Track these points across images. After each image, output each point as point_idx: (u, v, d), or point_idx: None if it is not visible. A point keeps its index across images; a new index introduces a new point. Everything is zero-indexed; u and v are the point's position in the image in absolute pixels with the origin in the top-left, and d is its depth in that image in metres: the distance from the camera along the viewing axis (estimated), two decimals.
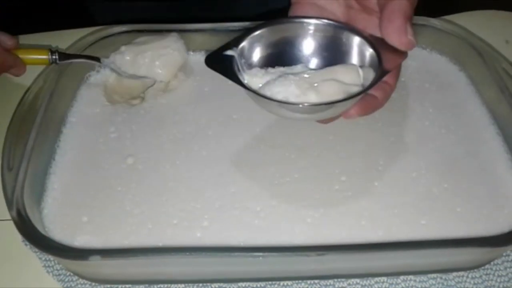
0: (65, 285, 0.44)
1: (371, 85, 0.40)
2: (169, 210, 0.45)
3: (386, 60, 0.41)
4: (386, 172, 0.47)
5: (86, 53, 0.54)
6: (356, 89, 0.41)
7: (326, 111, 0.41)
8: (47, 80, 0.51)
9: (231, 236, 0.43)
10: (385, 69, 0.41)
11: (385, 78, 0.41)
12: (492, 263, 0.44)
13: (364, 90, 0.40)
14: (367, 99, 0.41)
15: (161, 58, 0.54)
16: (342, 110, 0.41)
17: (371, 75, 0.42)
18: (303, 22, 0.45)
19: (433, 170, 0.47)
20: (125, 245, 0.43)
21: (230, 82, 0.41)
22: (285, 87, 0.40)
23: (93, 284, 0.44)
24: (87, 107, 0.54)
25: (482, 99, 0.53)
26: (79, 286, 0.44)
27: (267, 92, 0.40)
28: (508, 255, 0.45)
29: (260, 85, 0.42)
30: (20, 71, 0.53)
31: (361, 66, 0.44)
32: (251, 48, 0.44)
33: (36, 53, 0.53)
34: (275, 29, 0.45)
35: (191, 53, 0.58)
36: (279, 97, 0.40)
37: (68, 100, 0.54)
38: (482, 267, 0.44)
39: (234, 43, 0.43)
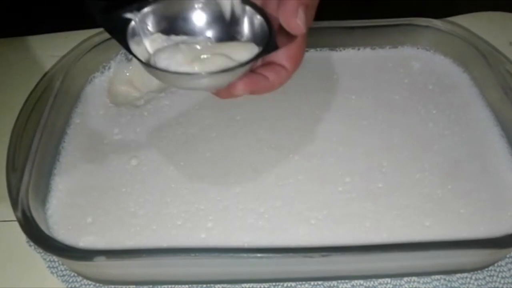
0: (69, 286, 0.44)
1: (253, 59, 0.39)
2: (173, 211, 0.45)
3: (278, 41, 0.40)
4: (390, 173, 0.48)
5: (90, 54, 0.54)
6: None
7: (204, 80, 0.39)
8: (52, 81, 0.51)
9: (235, 237, 0.43)
10: (274, 46, 0.39)
11: (281, 61, 0.41)
12: (495, 264, 0.44)
13: (245, 64, 0.39)
14: (256, 77, 0.40)
15: None
16: (223, 82, 0.39)
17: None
18: None
19: (437, 172, 0.47)
20: (129, 246, 0.43)
21: None
22: (172, 54, 0.39)
23: (97, 284, 0.44)
24: (91, 109, 0.54)
25: (486, 101, 0.53)
26: (83, 286, 0.44)
27: (155, 58, 0.39)
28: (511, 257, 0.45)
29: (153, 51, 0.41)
30: None
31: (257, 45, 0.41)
32: (155, 14, 0.42)
33: None
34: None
35: None
36: (163, 64, 0.39)
37: (72, 101, 0.54)
38: (486, 269, 0.44)
39: (137, 7, 0.41)
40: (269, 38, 0.40)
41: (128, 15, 0.41)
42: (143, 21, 0.42)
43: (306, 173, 0.48)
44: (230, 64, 0.39)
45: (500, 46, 0.57)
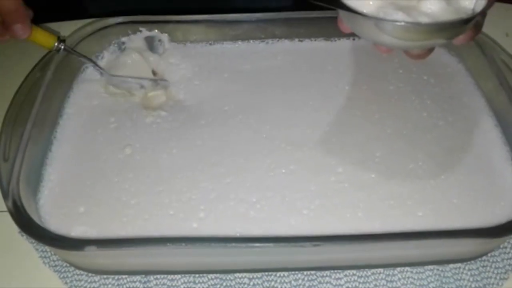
0: (61, 276, 0.44)
1: (486, 8, 0.37)
2: (165, 201, 0.45)
3: None
4: (383, 163, 0.47)
5: (83, 44, 0.54)
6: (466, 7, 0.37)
7: (436, 34, 0.37)
8: (43, 71, 0.51)
9: (227, 226, 0.43)
10: None
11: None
12: (489, 254, 0.44)
13: (478, 14, 0.36)
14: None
15: None
16: (458, 32, 0.37)
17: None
18: None
19: (430, 162, 0.47)
20: (121, 236, 0.43)
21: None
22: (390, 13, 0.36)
23: (89, 274, 0.44)
24: (84, 98, 0.54)
25: (481, 91, 0.53)
26: (76, 277, 0.44)
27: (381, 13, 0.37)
28: (505, 247, 0.44)
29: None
30: (24, 30, 0.48)
31: None
32: None
33: (46, 34, 0.51)
34: None
35: (188, 44, 0.58)
36: (395, 17, 0.36)
37: (65, 91, 0.54)
38: (479, 259, 0.44)
39: None
40: None
41: None
42: None
43: (298, 163, 0.47)
44: (455, 11, 0.36)
45: (496, 37, 0.56)
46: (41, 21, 0.61)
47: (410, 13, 0.37)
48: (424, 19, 0.36)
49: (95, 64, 0.54)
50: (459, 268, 0.44)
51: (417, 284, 0.43)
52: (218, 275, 0.43)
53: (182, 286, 0.43)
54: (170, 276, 0.43)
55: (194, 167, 0.47)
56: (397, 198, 0.45)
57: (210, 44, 0.58)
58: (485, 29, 0.55)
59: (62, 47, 0.52)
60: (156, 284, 0.43)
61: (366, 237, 0.40)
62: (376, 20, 0.36)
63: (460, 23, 0.36)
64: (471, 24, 0.37)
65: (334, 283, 0.43)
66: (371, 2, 0.38)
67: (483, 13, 0.37)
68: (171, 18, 0.56)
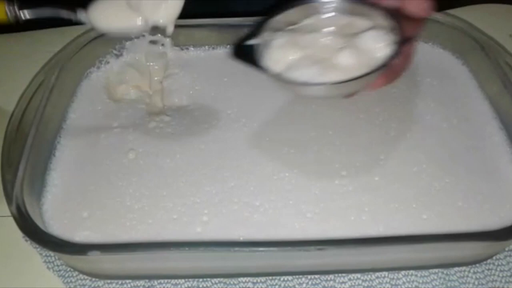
0: (65, 281, 0.44)
1: (395, 55, 0.40)
2: (169, 205, 0.45)
3: (406, 29, 0.41)
4: (387, 166, 0.47)
5: (86, 48, 0.54)
6: (378, 56, 0.41)
7: (351, 87, 0.40)
8: (47, 76, 0.51)
9: (231, 231, 0.43)
10: (404, 37, 0.41)
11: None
12: (494, 258, 0.44)
13: (388, 62, 0.40)
14: (389, 67, 0.41)
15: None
16: (367, 82, 0.41)
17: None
18: (318, 2, 0.45)
19: (435, 165, 0.47)
20: (125, 240, 0.43)
21: (251, 73, 0.41)
22: (306, 69, 0.40)
23: (93, 279, 0.44)
24: (88, 103, 0.54)
25: (485, 93, 0.53)
26: (79, 281, 0.44)
27: (290, 75, 0.41)
28: (511, 250, 0.44)
29: (281, 69, 0.42)
30: None
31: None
32: (271, 33, 0.44)
33: None
34: (293, 11, 0.45)
35: (191, 48, 0.58)
36: (301, 80, 0.40)
37: (68, 96, 0.54)
38: (484, 262, 0.44)
39: (256, 31, 0.43)
40: (399, 28, 0.41)
41: (252, 41, 0.42)
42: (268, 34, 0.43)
43: (302, 166, 0.47)
44: (368, 61, 0.40)
45: (500, 38, 0.56)
46: (40, 27, 0.61)
47: (326, 65, 0.40)
48: (334, 75, 0.39)
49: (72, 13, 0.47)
50: (464, 271, 0.43)
51: (422, 287, 0.43)
52: (221, 279, 0.43)
53: None
54: (173, 281, 0.43)
55: (197, 171, 0.47)
56: (402, 201, 0.45)
57: (213, 48, 0.58)
58: (489, 31, 0.56)
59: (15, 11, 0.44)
60: None
61: (370, 241, 0.40)
62: (289, 83, 0.40)
63: (369, 75, 0.39)
64: (381, 71, 0.39)
65: (338, 287, 0.43)
66: (290, 57, 0.42)
67: (391, 61, 0.40)
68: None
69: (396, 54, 0.40)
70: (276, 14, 0.44)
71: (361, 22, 0.44)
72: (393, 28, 0.41)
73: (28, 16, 0.44)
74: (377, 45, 0.41)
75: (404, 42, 0.40)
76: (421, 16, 0.41)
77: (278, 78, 0.40)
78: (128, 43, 0.57)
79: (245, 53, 0.42)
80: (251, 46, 0.43)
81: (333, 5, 0.45)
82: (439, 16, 0.56)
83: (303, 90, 0.41)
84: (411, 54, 0.44)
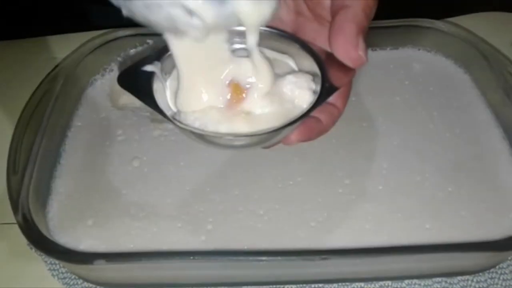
0: None
1: (313, 108, 0.34)
2: (173, 213, 0.45)
3: (333, 78, 0.34)
4: (390, 175, 0.47)
5: (92, 56, 0.55)
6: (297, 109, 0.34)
7: (259, 141, 0.35)
8: (52, 84, 0.51)
9: (235, 239, 0.43)
10: (332, 87, 0.34)
11: (332, 100, 0.36)
12: (497, 266, 0.44)
13: (304, 115, 0.33)
14: (309, 122, 0.36)
15: None
16: (280, 136, 0.35)
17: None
18: (242, 31, 0.34)
19: (438, 174, 0.47)
20: (130, 249, 0.43)
21: None
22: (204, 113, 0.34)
23: (98, 287, 0.44)
24: (92, 111, 0.54)
25: (487, 103, 0.53)
26: None
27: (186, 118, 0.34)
28: None
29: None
30: None
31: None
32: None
33: None
34: None
35: None
36: (197, 124, 0.34)
37: (73, 104, 0.54)
38: (487, 271, 0.44)
39: (156, 56, 0.35)
40: (325, 79, 0.34)
41: (149, 68, 0.35)
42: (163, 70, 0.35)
43: (305, 175, 0.47)
44: (285, 107, 0.34)
45: (501, 47, 0.57)
46: (50, 33, 0.62)
47: (232, 111, 0.34)
48: (241, 124, 0.33)
49: None
50: (467, 280, 0.43)
51: None
52: (226, 287, 0.43)
53: None
54: None
55: (201, 179, 0.48)
56: (405, 211, 0.45)
57: None
58: (491, 39, 0.56)
59: None
60: None
61: (374, 251, 0.40)
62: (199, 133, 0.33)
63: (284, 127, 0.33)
64: (299, 123, 0.33)
65: None
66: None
67: (309, 113, 0.33)
68: None
69: (316, 105, 0.33)
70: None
71: (283, 62, 0.37)
72: (319, 75, 0.35)
73: None
74: (296, 92, 0.34)
75: (329, 92, 0.34)
76: (349, 65, 0.34)
77: (174, 121, 0.34)
78: (132, 51, 0.57)
79: (138, 81, 0.34)
80: (149, 73, 0.35)
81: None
82: (441, 24, 0.57)
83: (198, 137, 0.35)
84: (336, 112, 0.37)
